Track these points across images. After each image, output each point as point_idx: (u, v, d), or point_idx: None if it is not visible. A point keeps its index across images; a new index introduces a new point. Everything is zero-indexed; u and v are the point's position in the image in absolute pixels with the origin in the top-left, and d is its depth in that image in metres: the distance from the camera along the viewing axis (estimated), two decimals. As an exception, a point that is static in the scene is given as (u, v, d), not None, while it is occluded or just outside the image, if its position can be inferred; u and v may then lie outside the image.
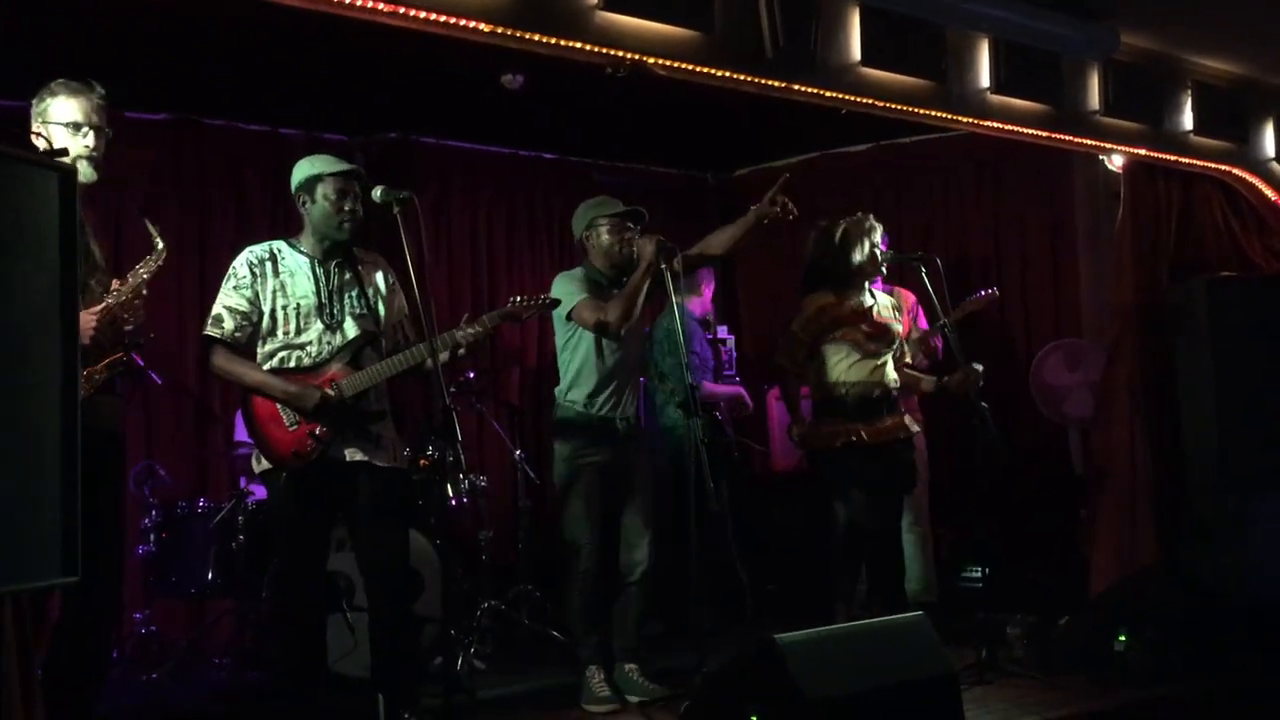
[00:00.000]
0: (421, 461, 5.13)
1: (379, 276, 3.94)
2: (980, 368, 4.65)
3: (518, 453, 5.74)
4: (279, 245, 3.85)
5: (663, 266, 4.15)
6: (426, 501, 5.08)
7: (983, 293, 5.54)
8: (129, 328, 3.35)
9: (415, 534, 4.77)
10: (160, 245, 3.42)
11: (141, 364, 4.90)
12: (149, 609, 4.91)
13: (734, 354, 6.71)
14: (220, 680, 4.81)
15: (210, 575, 4.80)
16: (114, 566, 3.42)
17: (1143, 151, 5.34)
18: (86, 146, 3.32)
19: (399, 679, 3.79)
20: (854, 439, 4.58)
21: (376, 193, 3.75)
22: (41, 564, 2.22)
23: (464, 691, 4.35)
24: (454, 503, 5.12)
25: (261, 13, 3.37)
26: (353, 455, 3.75)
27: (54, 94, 3.33)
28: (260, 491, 4.91)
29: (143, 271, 3.38)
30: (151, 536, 4.88)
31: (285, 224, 5.88)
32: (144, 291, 3.38)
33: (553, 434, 4.40)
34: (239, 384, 3.79)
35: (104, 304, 3.28)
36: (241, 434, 5.28)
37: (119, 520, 3.49)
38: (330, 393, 3.70)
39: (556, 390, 4.43)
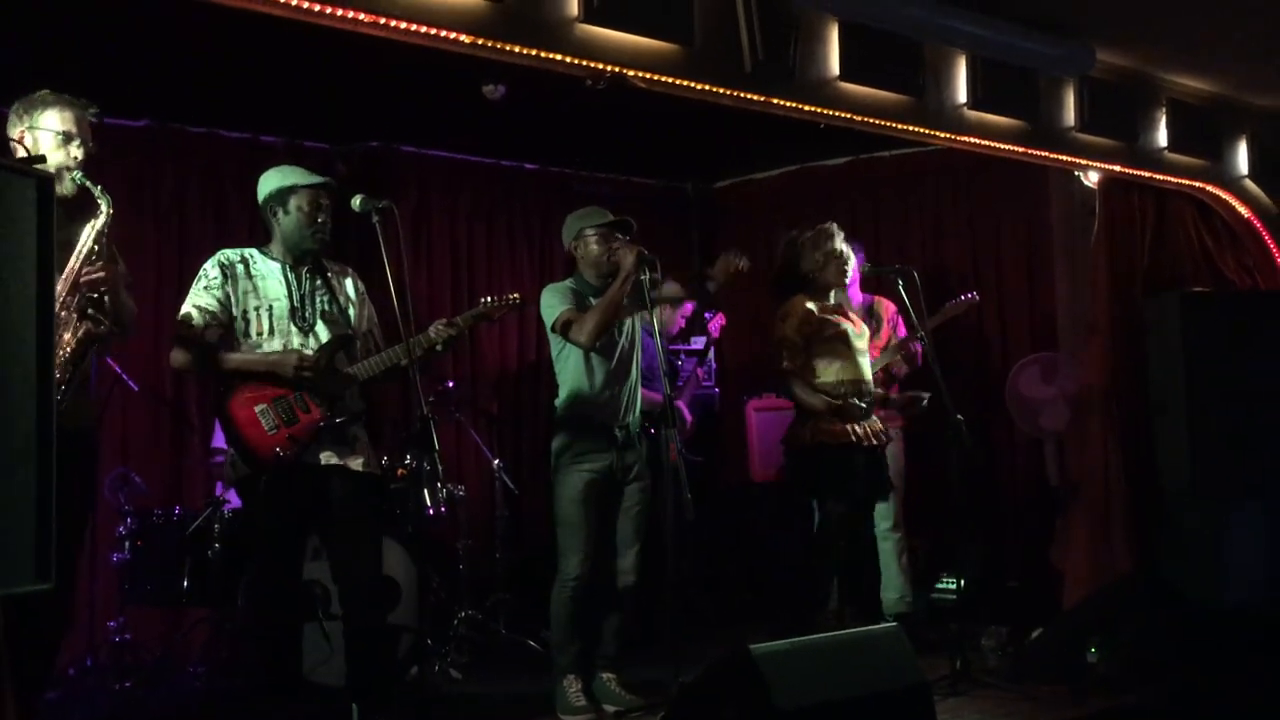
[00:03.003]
0: (399, 471, 5.12)
1: (349, 284, 3.97)
2: (925, 397, 4.87)
3: (496, 462, 5.74)
4: (250, 251, 3.88)
5: (642, 277, 4.18)
6: (404, 510, 5.07)
7: (964, 296, 5.60)
8: (94, 294, 3.20)
9: (392, 543, 4.77)
10: (104, 205, 3.25)
11: (117, 369, 4.89)
12: (123, 617, 4.88)
13: (714, 366, 6.74)
14: (195, 689, 4.79)
15: (185, 583, 4.78)
16: (66, 570, 3.34)
17: (1118, 168, 5.39)
18: (75, 158, 3.30)
19: (374, 687, 3.79)
20: (854, 437, 4.64)
21: (356, 201, 3.77)
22: (14, 569, 2.21)
23: (440, 701, 4.35)
24: (431, 512, 5.12)
25: (242, 21, 3.38)
26: (328, 459, 3.76)
27: (46, 104, 3.32)
28: (236, 499, 4.91)
29: (89, 233, 3.22)
30: (126, 544, 4.85)
31: (266, 232, 5.87)
32: (95, 250, 3.20)
33: (551, 442, 4.40)
34: (216, 371, 3.76)
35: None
36: (219, 441, 5.28)
37: (79, 523, 3.42)
38: (309, 352, 3.71)
39: (556, 401, 4.44)
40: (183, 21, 4.37)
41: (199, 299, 3.77)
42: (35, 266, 2.27)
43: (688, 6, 3.94)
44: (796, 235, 4.86)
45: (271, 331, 3.79)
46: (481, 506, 6.03)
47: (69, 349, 3.20)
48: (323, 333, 3.82)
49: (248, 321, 3.79)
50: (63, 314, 3.18)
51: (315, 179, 3.86)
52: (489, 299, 4.01)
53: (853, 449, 4.66)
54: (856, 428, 4.67)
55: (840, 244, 4.78)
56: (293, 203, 3.83)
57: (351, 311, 3.92)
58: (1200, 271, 5.74)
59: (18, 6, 4.01)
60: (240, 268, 3.81)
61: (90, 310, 3.21)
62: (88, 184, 3.30)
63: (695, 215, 7.63)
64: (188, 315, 3.76)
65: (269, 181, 3.87)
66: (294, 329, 3.80)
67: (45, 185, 2.30)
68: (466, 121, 5.97)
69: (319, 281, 3.87)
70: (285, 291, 3.81)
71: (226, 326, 3.79)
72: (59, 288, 3.16)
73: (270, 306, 3.79)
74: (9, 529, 2.19)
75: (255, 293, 3.79)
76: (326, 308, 3.86)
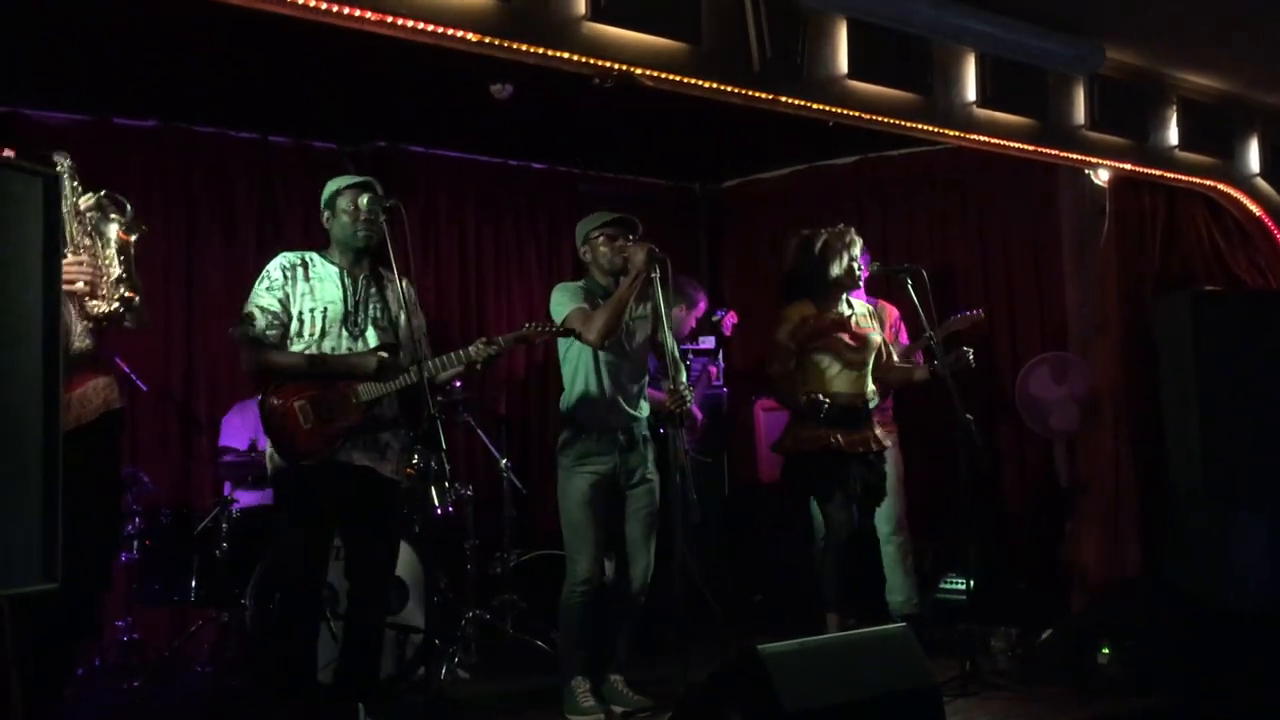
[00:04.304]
0: (407, 470, 5.11)
1: (403, 292, 3.99)
2: (970, 350, 4.69)
3: (504, 462, 5.73)
4: (310, 254, 3.97)
5: (653, 275, 4.17)
6: (411, 511, 5.07)
7: (968, 312, 5.56)
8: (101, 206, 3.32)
9: (401, 543, 4.76)
10: (58, 157, 3.30)
11: (126, 370, 4.89)
12: (130, 616, 4.89)
13: (722, 366, 6.72)
14: (202, 688, 4.79)
15: (193, 583, 4.78)
16: (89, 569, 3.32)
17: (1128, 166, 5.37)
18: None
19: (373, 686, 3.81)
20: (831, 442, 4.62)
21: (363, 200, 3.79)
22: (20, 569, 2.21)
23: (447, 701, 4.35)
24: (439, 512, 5.11)
25: (250, 21, 3.38)
26: (360, 460, 3.83)
27: None
28: (244, 498, 4.91)
29: (64, 177, 3.27)
30: (135, 544, 4.86)
31: (274, 230, 5.90)
32: (75, 186, 3.31)
33: (557, 442, 4.40)
34: (290, 370, 3.81)
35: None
36: (227, 440, 5.28)
37: (106, 511, 3.44)
38: (384, 354, 3.82)
39: (561, 400, 4.44)
40: (190, 21, 4.37)
41: (261, 299, 3.84)
42: (41, 267, 2.27)
43: (695, 5, 3.94)
44: (810, 236, 4.82)
45: (323, 334, 3.85)
46: (489, 506, 6.01)
47: (113, 257, 3.28)
48: (371, 339, 3.90)
49: (302, 323, 3.85)
50: (87, 240, 3.28)
51: (356, 179, 3.98)
52: (533, 324, 4.08)
53: (838, 454, 4.64)
54: (838, 435, 4.65)
55: (859, 249, 4.78)
56: (339, 204, 3.93)
57: (402, 319, 3.97)
58: (1211, 270, 5.71)
59: (27, 7, 4.02)
60: (300, 270, 3.89)
61: (111, 211, 3.32)
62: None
63: (703, 215, 7.61)
64: (250, 315, 3.83)
65: (325, 192, 3.99)
66: (345, 333, 3.87)
67: (51, 185, 2.30)
68: (474, 121, 5.97)
69: (374, 289, 3.95)
70: (340, 295, 3.89)
71: (286, 327, 3.85)
72: (70, 225, 3.24)
73: (325, 309, 3.86)
74: (15, 529, 2.19)
75: (311, 295, 3.86)
76: (378, 315, 3.93)
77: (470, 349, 3.87)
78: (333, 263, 3.94)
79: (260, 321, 3.81)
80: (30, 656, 3.11)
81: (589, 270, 4.48)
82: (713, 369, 6.17)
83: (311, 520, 3.82)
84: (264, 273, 3.90)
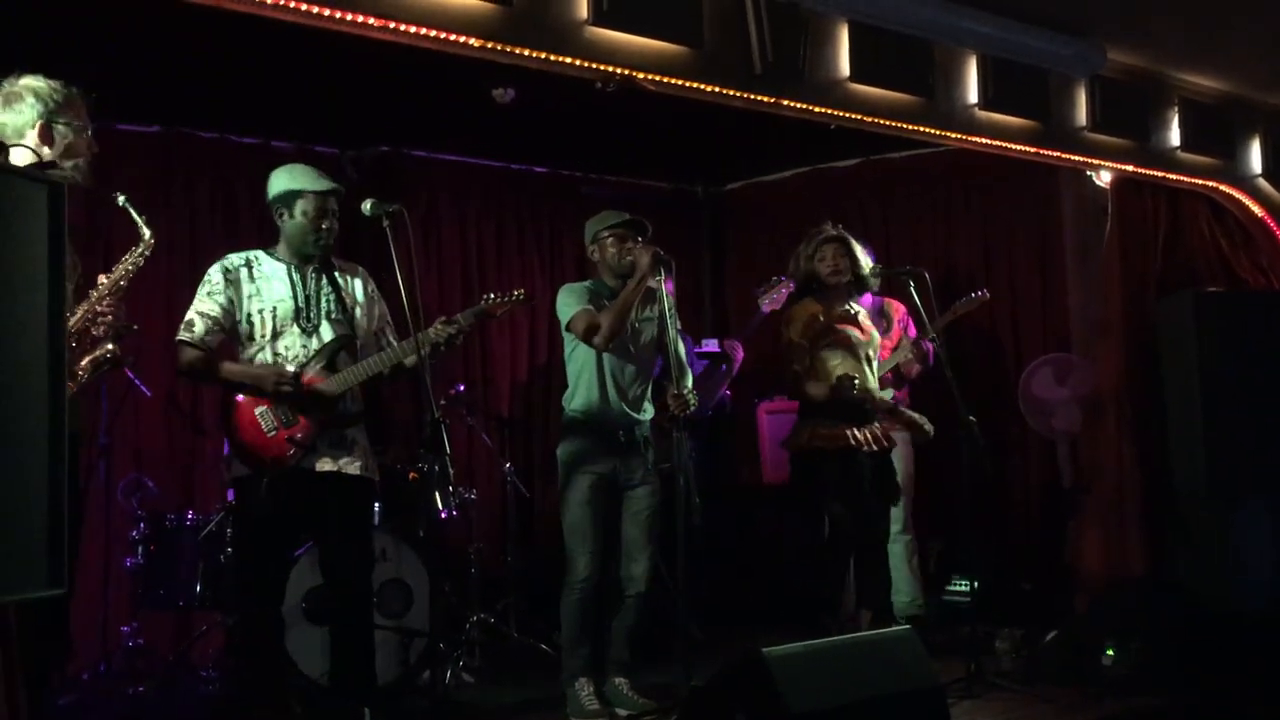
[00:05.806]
0: (411, 474, 5.12)
1: (358, 284, 3.96)
2: (930, 430, 4.92)
3: (507, 465, 5.74)
4: (255, 254, 3.89)
5: (658, 277, 4.18)
6: (415, 514, 5.08)
7: (974, 294, 5.59)
8: (107, 319, 3.23)
9: (404, 547, 4.78)
10: (148, 234, 3.30)
11: (130, 375, 4.90)
12: (136, 621, 4.89)
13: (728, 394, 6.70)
14: (207, 693, 4.79)
15: (198, 588, 4.79)
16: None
17: (1130, 167, 5.37)
18: (92, 151, 3.31)
19: (369, 686, 3.82)
20: (850, 441, 4.62)
21: (366, 205, 3.77)
22: (27, 575, 2.21)
23: (452, 704, 4.35)
24: (443, 515, 5.12)
25: (252, 26, 3.39)
26: (324, 466, 3.77)
27: (68, 94, 3.27)
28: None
29: (129, 263, 3.27)
30: (139, 549, 4.86)
31: (275, 236, 5.89)
32: (123, 284, 3.26)
33: (558, 442, 4.40)
34: (211, 381, 3.80)
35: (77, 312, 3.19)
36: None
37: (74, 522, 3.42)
38: (288, 369, 3.72)
39: (563, 399, 4.44)
40: (193, 27, 4.37)
41: (201, 305, 3.79)
42: (47, 274, 2.27)
43: (697, 8, 3.94)
44: (804, 241, 4.92)
45: (276, 334, 3.79)
46: (493, 510, 6.02)
47: (85, 374, 3.19)
48: (327, 333, 3.83)
49: (252, 325, 3.80)
50: (122, 282, 3.20)
51: (323, 185, 3.85)
52: (491, 295, 3.99)
53: (852, 452, 4.65)
54: (855, 431, 4.66)
55: (828, 236, 4.79)
56: (299, 207, 3.82)
57: (358, 312, 3.91)
58: (1214, 271, 5.71)
59: (28, 11, 4.03)
60: (244, 271, 3.82)
61: (107, 335, 3.23)
62: (132, 211, 3.31)
63: (706, 217, 7.62)
64: (190, 322, 3.77)
65: (278, 181, 3.87)
66: (298, 330, 3.80)
67: (56, 193, 2.31)
68: (476, 125, 5.97)
69: (324, 281, 3.87)
70: (290, 292, 3.82)
71: (229, 331, 3.80)
72: (88, 306, 3.18)
73: (274, 308, 3.79)
74: (21, 535, 2.19)
75: (259, 295, 3.80)
76: (332, 308, 3.85)
77: (430, 330, 3.79)
78: (279, 259, 3.86)
79: (199, 327, 3.75)
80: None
81: (595, 270, 4.49)
82: (736, 343, 6.09)
83: (273, 529, 3.77)
84: (205, 277, 3.82)
